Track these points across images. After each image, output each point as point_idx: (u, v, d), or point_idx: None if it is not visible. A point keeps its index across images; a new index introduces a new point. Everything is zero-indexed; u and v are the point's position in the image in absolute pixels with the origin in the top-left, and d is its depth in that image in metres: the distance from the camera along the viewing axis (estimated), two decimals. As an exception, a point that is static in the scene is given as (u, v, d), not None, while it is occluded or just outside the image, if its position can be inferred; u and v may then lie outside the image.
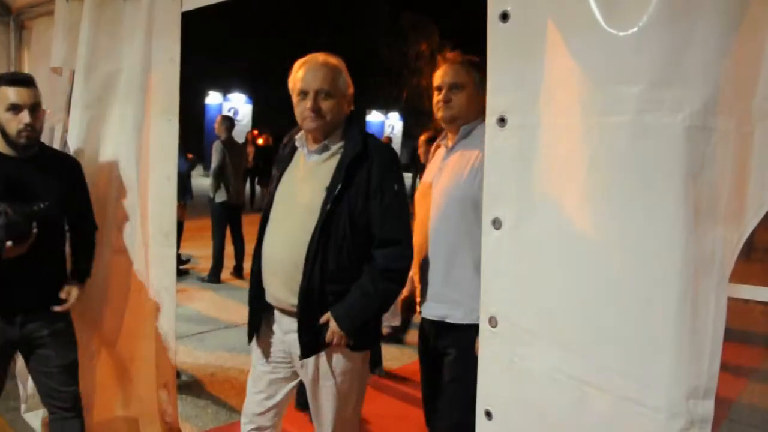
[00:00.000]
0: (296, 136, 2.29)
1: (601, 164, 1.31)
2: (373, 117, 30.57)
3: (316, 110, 2.11)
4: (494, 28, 1.50)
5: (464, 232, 2.15)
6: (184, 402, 3.84)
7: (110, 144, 2.99)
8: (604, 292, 1.32)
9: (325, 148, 2.19)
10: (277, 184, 2.29)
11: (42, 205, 2.40)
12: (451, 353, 2.24)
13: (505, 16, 1.48)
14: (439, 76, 2.33)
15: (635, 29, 1.26)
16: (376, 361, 2.37)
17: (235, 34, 24.54)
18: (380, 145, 2.18)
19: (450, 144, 2.33)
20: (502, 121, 1.49)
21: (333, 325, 2.07)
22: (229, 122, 7.28)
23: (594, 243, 1.33)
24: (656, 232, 1.23)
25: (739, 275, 1.21)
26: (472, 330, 1.94)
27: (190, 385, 4.18)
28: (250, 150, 13.18)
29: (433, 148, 2.56)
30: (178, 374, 3.85)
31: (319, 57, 2.18)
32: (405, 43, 30.95)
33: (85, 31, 2.93)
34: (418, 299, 2.37)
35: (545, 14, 1.41)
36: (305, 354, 2.13)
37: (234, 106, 25.13)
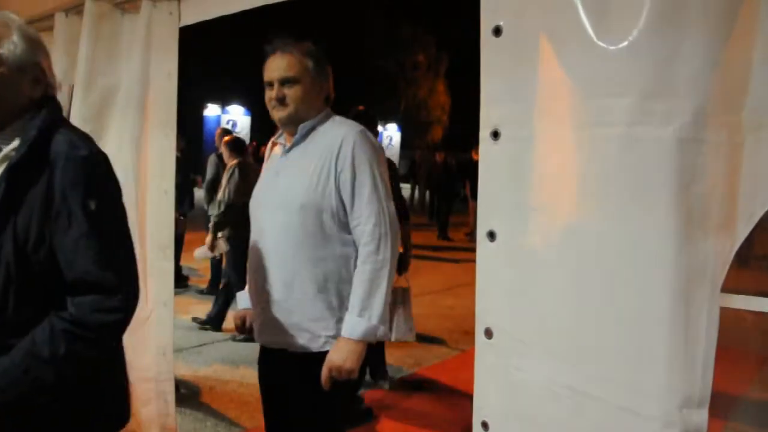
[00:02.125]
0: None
1: (593, 176, 1.33)
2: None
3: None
4: (487, 43, 1.53)
5: (305, 246, 2.02)
6: (183, 415, 3.83)
7: (109, 157, 3.00)
8: (597, 303, 1.33)
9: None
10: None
11: None
12: (296, 385, 2.10)
13: (497, 31, 1.50)
14: (268, 70, 2.09)
15: (625, 43, 1.28)
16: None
17: (232, 46, 24.64)
18: (70, 141, 1.48)
19: (288, 144, 2.16)
20: (495, 134, 1.51)
21: None
22: (226, 135, 7.27)
23: (587, 254, 1.34)
24: (648, 242, 1.25)
25: (736, 283, 1.23)
26: (318, 359, 2.00)
27: (190, 398, 4.17)
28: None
29: (268, 146, 2.34)
30: (177, 387, 3.84)
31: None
32: (402, 54, 31.11)
33: (84, 47, 2.95)
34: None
35: (537, 28, 1.44)
36: None
37: (232, 118, 25.21)
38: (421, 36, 31.09)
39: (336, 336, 2.01)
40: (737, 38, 1.20)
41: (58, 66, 3.13)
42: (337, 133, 2.06)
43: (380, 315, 1.97)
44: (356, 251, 2.03)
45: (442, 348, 5.67)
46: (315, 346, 2.03)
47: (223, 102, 25.81)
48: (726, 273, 1.22)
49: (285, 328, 2.07)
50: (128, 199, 2.91)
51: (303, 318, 2.04)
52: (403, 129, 32.01)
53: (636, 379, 1.28)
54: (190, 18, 2.71)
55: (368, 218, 1.99)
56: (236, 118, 25.35)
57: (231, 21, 2.68)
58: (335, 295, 2.03)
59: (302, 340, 2.05)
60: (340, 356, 1.95)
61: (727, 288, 1.23)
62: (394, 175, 3.19)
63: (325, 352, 2.00)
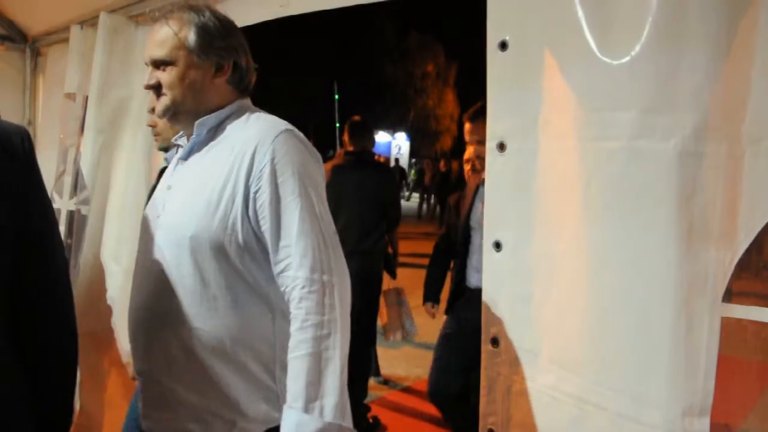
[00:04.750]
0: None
1: (596, 188, 1.36)
2: (381, 137, 30.75)
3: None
4: (493, 57, 1.56)
5: (197, 299, 1.44)
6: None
7: (122, 167, 3.06)
8: (600, 312, 1.36)
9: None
10: None
11: None
12: None
13: (503, 45, 1.54)
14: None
15: (628, 58, 1.31)
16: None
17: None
18: None
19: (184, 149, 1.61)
20: (501, 146, 1.54)
21: None
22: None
23: (590, 264, 1.37)
24: (650, 253, 1.27)
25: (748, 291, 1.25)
26: None
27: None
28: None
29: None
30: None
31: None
32: (411, 63, 31.21)
33: (98, 58, 3.01)
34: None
35: (542, 43, 1.47)
36: None
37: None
38: (430, 45, 31.21)
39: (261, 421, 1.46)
40: (737, 52, 1.23)
41: (72, 77, 3.20)
42: (250, 136, 1.46)
43: (336, 406, 1.32)
44: (284, 308, 1.44)
45: (449, 357, 5.66)
46: None
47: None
48: (727, 283, 1.24)
49: (177, 412, 1.47)
50: (141, 206, 2.97)
51: (200, 402, 1.45)
52: (412, 138, 32.09)
53: (639, 388, 1.30)
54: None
55: (301, 260, 1.37)
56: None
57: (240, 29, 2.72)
58: (254, 362, 1.46)
59: None
60: None
61: (740, 296, 1.25)
62: (399, 181, 3.28)
63: None
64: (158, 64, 1.50)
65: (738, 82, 1.24)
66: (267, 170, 1.40)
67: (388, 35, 30.13)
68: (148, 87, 1.52)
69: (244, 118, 1.55)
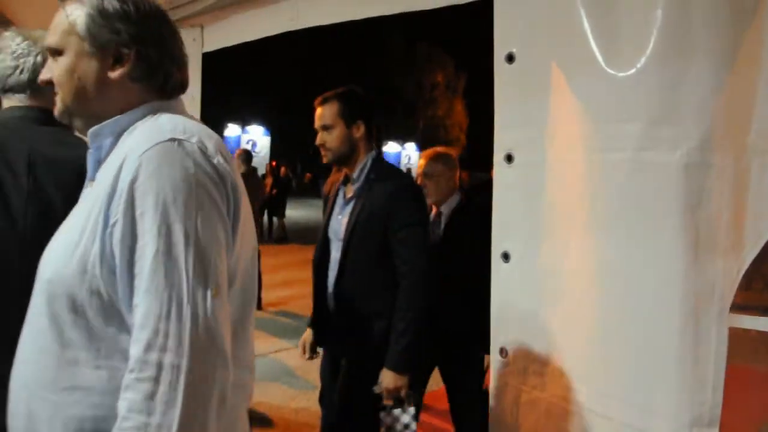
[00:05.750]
0: None
1: (603, 199, 1.37)
2: (390, 148, 30.83)
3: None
4: (501, 69, 1.58)
5: (50, 360, 1.07)
6: None
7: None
8: (607, 322, 1.36)
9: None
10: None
11: None
12: None
13: (510, 58, 1.55)
14: None
15: (633, 70, 1.32)
16: None
17: (253, 68, 24.98)
18: None
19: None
20: (509, 157, 1.56)
21: None
22: (246, 155, 7.50)
23: (597, 275, 1.38)
24: (657, 264, 1.28)
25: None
26: None
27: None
28: (268, 181, 13.42)
29: None
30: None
31: None
32: (420, 74, 31.32)
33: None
34: None
35: (549, 56, 1.48)
36: None
37: (252, 138, 25.50)
38: (439, 56, 31.33)
39: None
40: (742, 64, 1.24)
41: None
42: (124, 149, 1.10)
43: None
44: None
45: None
46: None
47: (243, 122, 26.15)
48: (734, 294, 1.24)
49: None
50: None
51: None
52: (421, 148, 32.12)
53: (647, 399, 1.30)
54: (213, 44, 2.81)
55: (138, 331, 0.98)
56: (256, 137, 25.66)
57: (251, 42, 2.76)
58: None
59: None
60: None
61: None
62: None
63: None
64: (52, 53, 1.20)
65: (744, 94, 1.25)
66: (125, 197, 1.02)
67: (397, 46, 30.26)
68: (43, 82, 1.21)
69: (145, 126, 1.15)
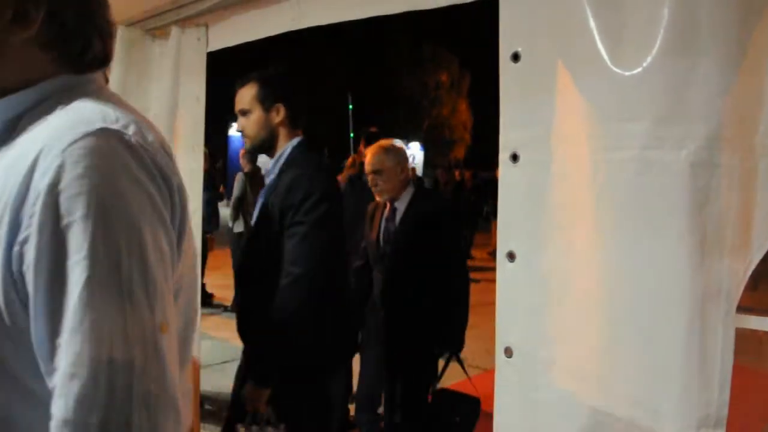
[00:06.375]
0: None
1: (608, 199, 1.36)
2: (394, 146, 30.70)
3: None
4: (506, 68, 1.57)
5: None
6: (207, 431, 3.88)
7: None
8: (614, 322, 1.35)
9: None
10: None
11: None
12: None
13: (516, 57, 1.55)
14: None
15: (640, 69, 1.31)
16: None
17: (257, 67, 24.96)
18: None
19: None
20: (514, 157, 1.55)
21: None
22: (251, 155, 7.51)
23: (603, 275, 1.37)
24: (663, 264, 1.27)
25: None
26: None
27: (214, 414, 4.22)
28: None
29: None
30: (202, 402, 3.90)
31: None
32: (425, 73, 31.28)
33: (116, 71, 3.05)
34: None
35: (555, 55, 1.48)
36: None
37: (257, 137, 25.44)
38: (443, 55, 31.29)
39: None
40: (750, 63, 1.23)
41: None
42: (38, 139, 0.84)
43: None
44: None
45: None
46: None
47: (248, 121, 26.11)
48: (741, 294, 1.23)
49: None
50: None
51: None
52: (426, 148, 32.11)
53: (653, 399, 1.29)
54: (218, 43, 2.80)
55: (65, 382, 0.75)
56: (260, 137, 25.59)
57: (256, 41, 2.76)
58: None
59: None
60: None
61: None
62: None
63: None
64: None
65: (751, 93, 1.24)
66: (40, 205, 0.77)
67: (401, 45, 30.23)
68: None
69: (64, 105, 0.90)
